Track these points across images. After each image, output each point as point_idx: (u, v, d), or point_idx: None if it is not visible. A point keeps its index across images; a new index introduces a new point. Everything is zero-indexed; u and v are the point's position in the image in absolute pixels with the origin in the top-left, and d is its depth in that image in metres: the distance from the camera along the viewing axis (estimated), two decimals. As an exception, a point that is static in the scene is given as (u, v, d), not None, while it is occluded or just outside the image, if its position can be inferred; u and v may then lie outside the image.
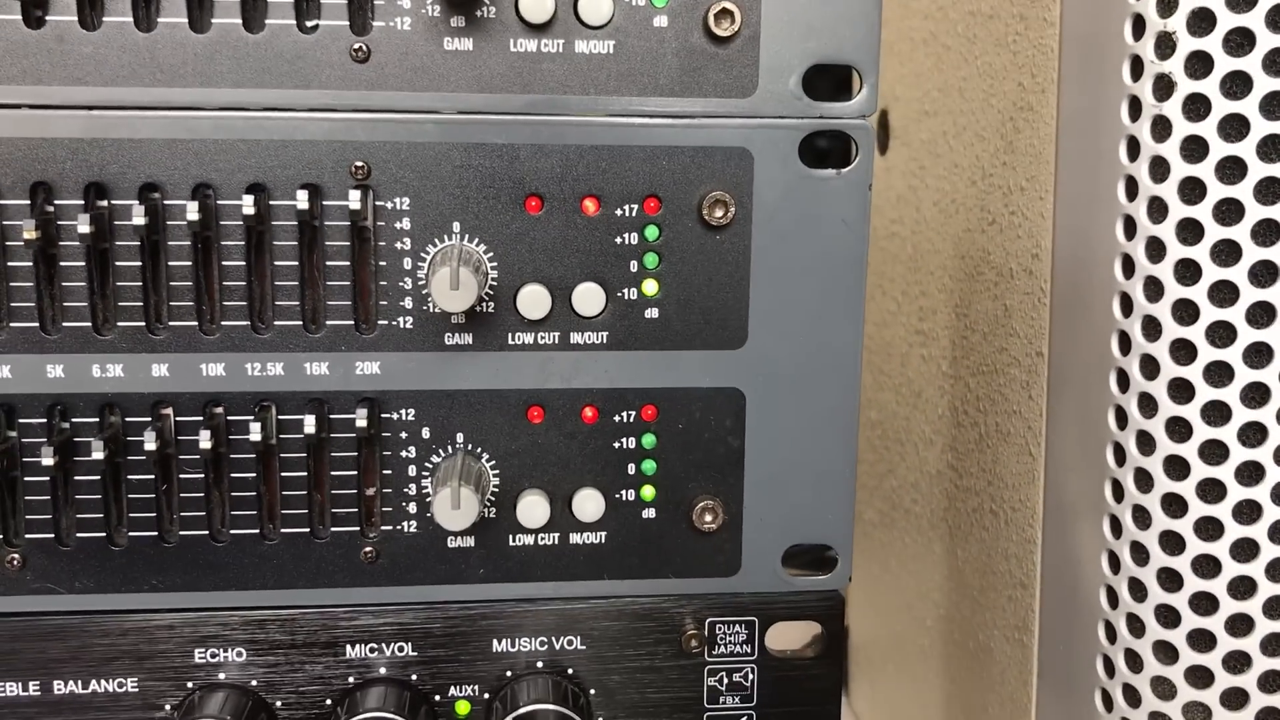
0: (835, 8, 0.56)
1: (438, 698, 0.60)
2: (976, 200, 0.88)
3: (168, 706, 0.59)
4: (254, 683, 0.59)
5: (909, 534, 1.04)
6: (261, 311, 0.56)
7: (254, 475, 0.57)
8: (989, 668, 0.91)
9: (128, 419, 0.56)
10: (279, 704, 0.59)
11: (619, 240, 0.57)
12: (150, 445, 0.55)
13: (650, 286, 0.58)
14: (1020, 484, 0.86)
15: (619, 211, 0.57)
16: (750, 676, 0.62)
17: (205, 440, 0.55)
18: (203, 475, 0.57)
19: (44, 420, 0.55)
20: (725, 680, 0.62)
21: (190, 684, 0.58)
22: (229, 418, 0.56)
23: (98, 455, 0.55)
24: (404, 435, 0.58)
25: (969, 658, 0.96)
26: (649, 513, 0.60)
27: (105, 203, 0.54)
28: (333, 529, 0.58)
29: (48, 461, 0.55)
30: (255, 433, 0.56)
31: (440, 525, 0.55)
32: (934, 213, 0.93)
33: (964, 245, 0.90)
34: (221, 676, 0.59)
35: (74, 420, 0.56)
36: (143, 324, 0.55)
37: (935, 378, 0.95)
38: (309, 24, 0.54)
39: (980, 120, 0.87)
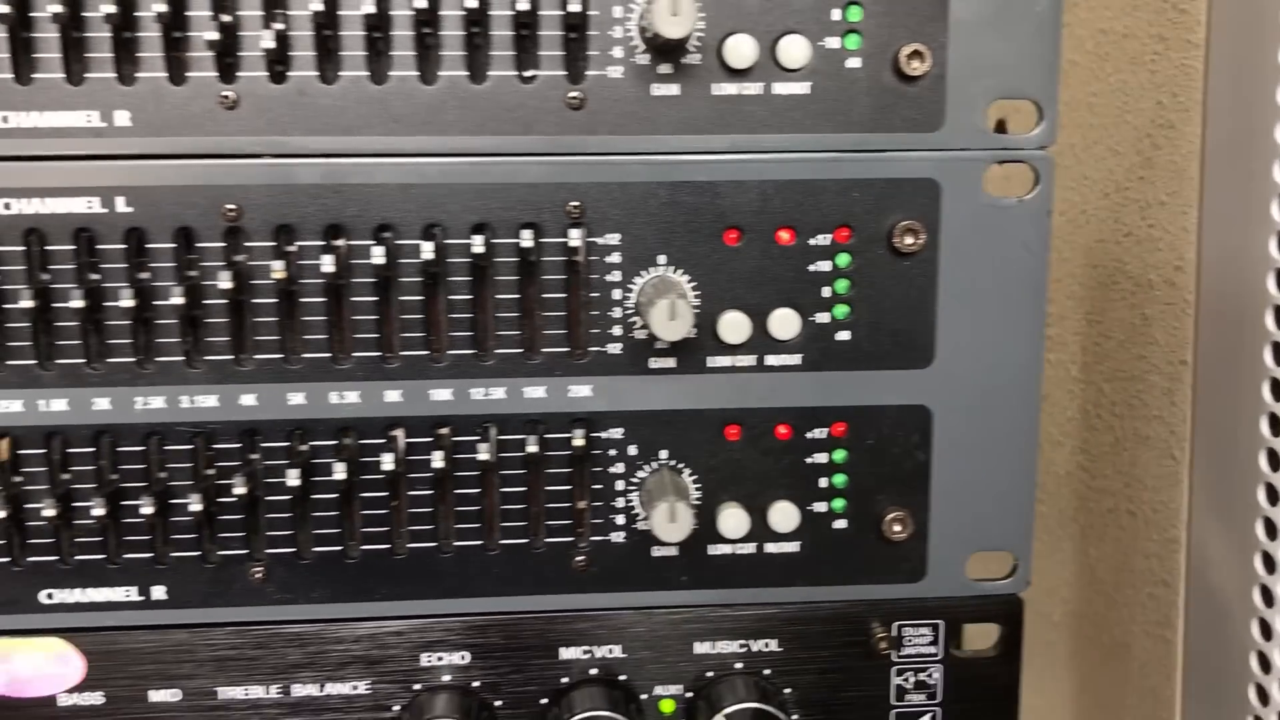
0: (1018, 46, 0.59)
1: (644, 696, 0.64)
2: (1110, 212, 0.91)
3: (396, 707, 0.63)
4: (475, 684, 0.63)
5: (1036, 533, 1.07)
6: (484, 341, 0.60)
7: (477, 491, 0.62)
8: (1127, 663, 0.94)
9: (362, 441, 0.61)
10: (499, 704, 0.63)
11: (812, 268, 0.61)
12: (387, 465, 0.60)
13: (842, 310, 0.61)
14: (1162, 486, 0.89)
15: (813, 241, 0.60)
16: (935, 676, 0.66)
17: (437, 460, 0.60)
18: (431, 492, 0.61)
19: (286, 444, 0.60)
20: (911, 679, 0.65)
21: (416, 686, 0.63)
22: (455, 438, 0.61)
23: (339, 475, 0.60)
24: (613, 452, 0.62)
25: (1103, 652, 0.99)
26: (840, 523, 0.63)
27: (343, 243, 0.59)
28: (548, 540, 0.62)
29: (293, 482, 0.59)
30: (483, 452, 0.60)
31: (657, 537, 0.59)
32: (1060, 222, 0.96)
33: (1096, 255, 0.93)
34: (446, 679, 0.63)
35: (313, 443, 0.60)
36: (378, 354, 0.60)
37: (1064, 381, 0.98)
38: (528, 74, 0.58)
39: (1113, 135, 0.90)
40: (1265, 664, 0.75)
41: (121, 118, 0.57)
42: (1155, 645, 0.91)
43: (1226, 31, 0.76)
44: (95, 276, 0.58)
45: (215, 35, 0.55)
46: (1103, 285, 0.93)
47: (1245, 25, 0.75)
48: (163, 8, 0.55)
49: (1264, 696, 0.75)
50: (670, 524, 0.58)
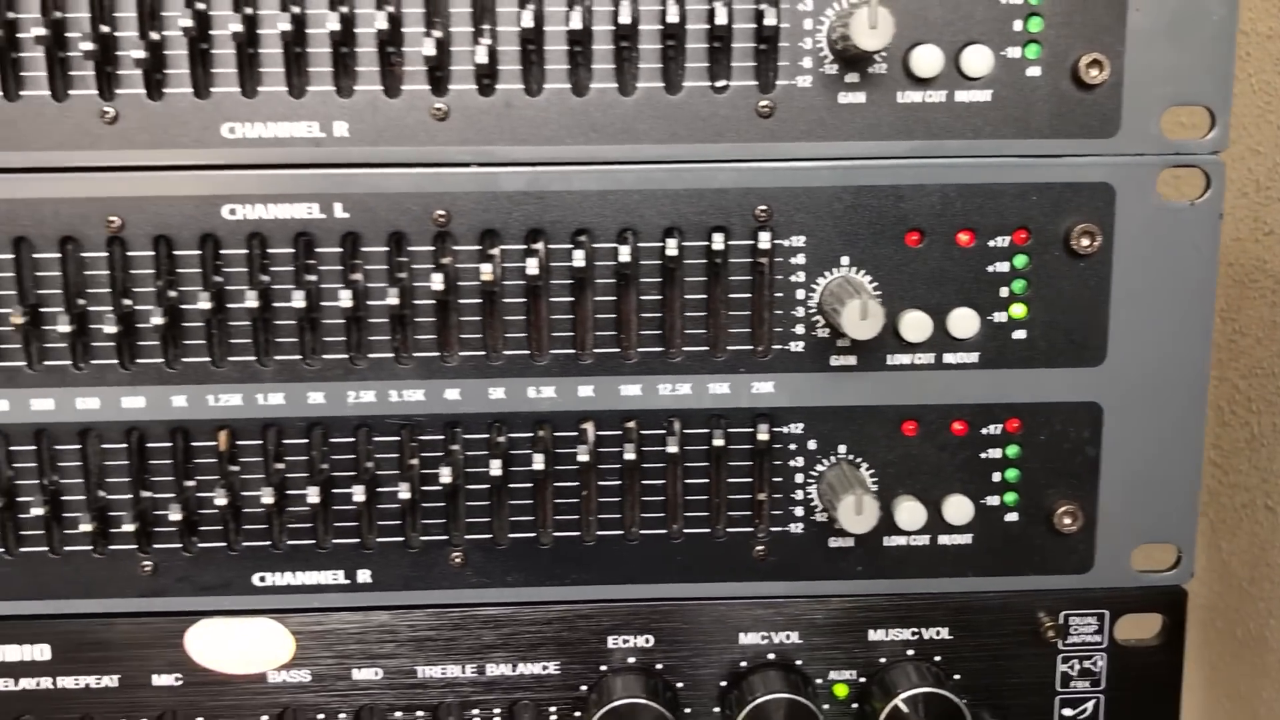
0: (1193, 55, 0.61)
1: (819, 680, 0.67)
2: (1249, 211, 0.92)
3: (584, 687, 0.67)
4: (659, 666, 0.66)
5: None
6: (672, 339, 0.63)
7: (662, 482, 0.65)
8: (1263, 655, 0.95)
9: (556, 434, 0.64)
10: (680, 685, 0.66)
11: (991, 269, 0.63)
12: (581, 457, 0.63)
13: (1018, 310, 0.63)
14: (1303, 482, 0.90)
15: (991, 243, 0.63)
16: (1099, 663, 0.68)
17: (628, 452, 0.63)
18: (619, 482, 0.64)
19: (486, 435, 0.64)
20: (1077, 667, 0.68)
21: (603, 667, 0.66)
22: (642, 432, 0.64)
23: (537, 466, 0.63)
24: (793, 447, 0.64)
25: (1236, 645, 1.00)
26: (1011, 516, 0.66)
27: (542, 246, 0.62)
28: (729, 530, 0.65)
29: (494, 472, 0.63)
30: (671, 445, 0.63)
31: (842, 528, 0.61)
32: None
33: (1233, 253, 0.94)
34: (630, 660, 0.66)
35: (511, 435, 0.64)
36: (572, 351, 0.63)
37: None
38: (720, 85, 0.61)
39: (1254, 135, 0.91)
40: None
41: (340, 128, 0.60)
42: (1292, 639, 0.92)
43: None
44: (312, 278, 0.62)
45: (429, 51, 0.59)
46: (1239, 283, 0.94)
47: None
48: (383, 25, 0.59)
49: None
50: (857, 516, 0.61)
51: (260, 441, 0.63)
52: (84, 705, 0.66)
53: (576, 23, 0.59)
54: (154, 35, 0.59)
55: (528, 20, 0.59)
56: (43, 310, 0.61)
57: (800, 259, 0.62)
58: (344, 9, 0.59)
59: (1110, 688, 0.68)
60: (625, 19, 0.59)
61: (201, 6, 0.59)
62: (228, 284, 0.61)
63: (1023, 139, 0.62)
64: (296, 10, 0.59)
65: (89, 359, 0.62)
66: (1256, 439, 0.94)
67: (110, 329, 0.60)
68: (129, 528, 0.63)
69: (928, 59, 0.60)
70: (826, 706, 0.66)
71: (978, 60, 0.61)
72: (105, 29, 0.59)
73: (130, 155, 0.60)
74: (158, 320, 0.60)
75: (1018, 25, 0.61)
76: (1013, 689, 0.67)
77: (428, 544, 0.65)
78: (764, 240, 0.62)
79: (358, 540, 0.64)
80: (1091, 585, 0.67)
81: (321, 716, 0.66)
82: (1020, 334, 0.64)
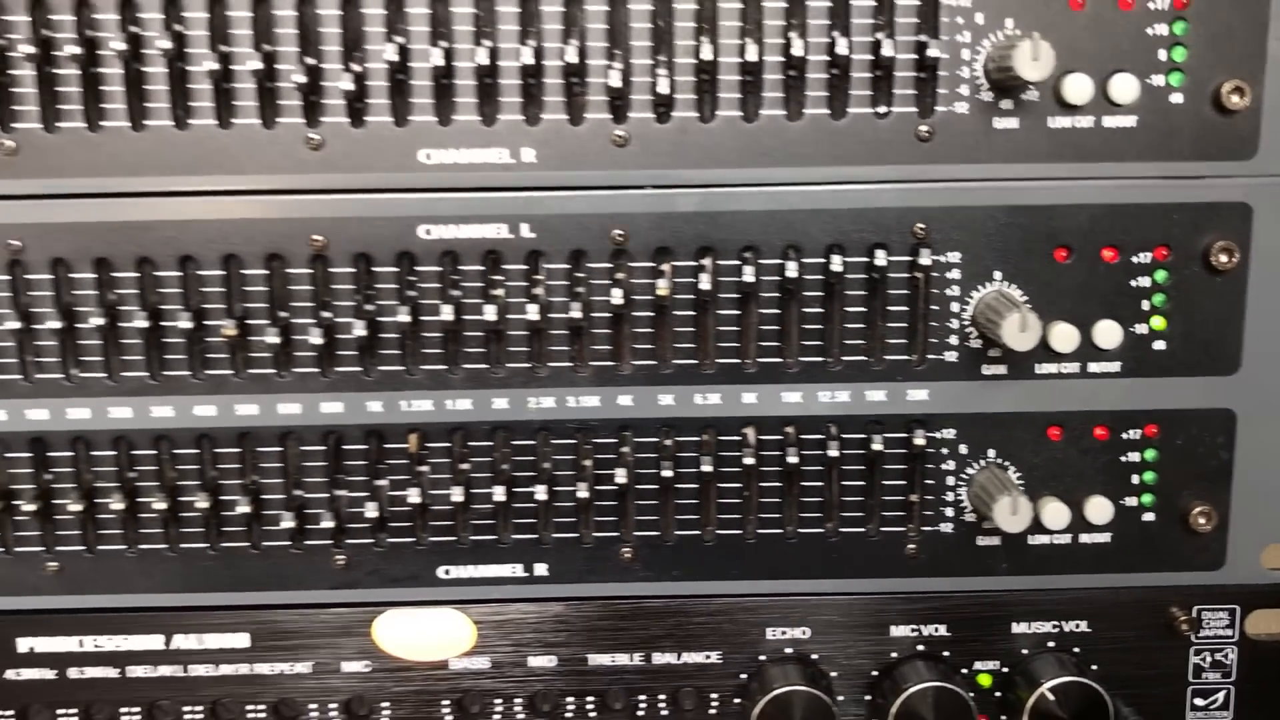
0: (1329, 81, 0.65)
1: (964, 670, 0.71)
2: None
3: (743, 675, 0.71)
4: (814, 656, 0.71)
5: None
6: (831, 349, 0.67)
7: (821, 484, 0.69)
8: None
9: (720, 437, 0.68)
10: (834, 674, 0.71)
11: (1134, 283, 0.67)
12: (747, 460, 0.67)
13: (1158, 322, 0.67)
14: None
15: (1134, 259, 0.67)
16: (1230, 656, 0.71)
17: (791, 456, 0.67)
18: (779, 484, 0.69)
19: (655, 439, 0.68)
20: (1208, 659, 0.71)
21: (762, 657, 0.71)
22: (801, 436, 0.68)
23: (705, 468, 0.67)
24: (945, 451, 0.69)
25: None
26: (1148, 516, 0.70)
27: (711, 262, 0.66)
28: (882, 529, 0.69)
29: (665, 473, 0.67)
30: (831, 449, 0.67)
31: (998, 527, 0.65)
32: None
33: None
34: (788, 651, 0.71)
35: (679, 438, 0.68)
36: (738, 361, 0.67)
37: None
38: (883, 111, 0.65)
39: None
40: None
41: (528, 154, 0.65)
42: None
43: None
44: (499, 293, 0.66)
45: (614, 83, 0.63)
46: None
47: None
48: (571, 59, 0.63)
49: None
50: (1012, 516, 0.65)
51: (449, 444, 0.68)
52: (278, 689, 0.71)
53: (751, 54, 0.63)
54: (357, 68, 0.64)
55: (706, 53, 0.63)
56: (250, 322, 0.66)
57: (955, 274, 0.66)
58: (533, 43, 0.63)
59: (1240, 679, 0.72)
60: (797, 51, 0.63)
61: (401, 40, 0.63)
62: (421, 299, 0.66)
63: (1165, 161, 0.66)
64: (489, 45, 0.63)
65: (291, 368, 0.67)
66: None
67: (314, 340, 0.65)
68: (326, 524, 0.68)
69: (1078, 87, 0.64)
70: (971, 695, 0.70)
71: (1125, 88, 0.64)
72: (312, 61, 0.63)
73: (334, 179, 0.65)
74: (359, 332, 0.65)
75: (1162, 55, 0.65)
76: (1147, 680, 0.71)
77: (601, 540, 0.69)
78: (923, 257, 0.66)
79: (536, 536, 0.69)
80: (1223, 582, 0.71)
81: (499, 701, 0.71)
82: (1160, 344, 0.68)
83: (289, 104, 0.64)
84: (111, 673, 0.70)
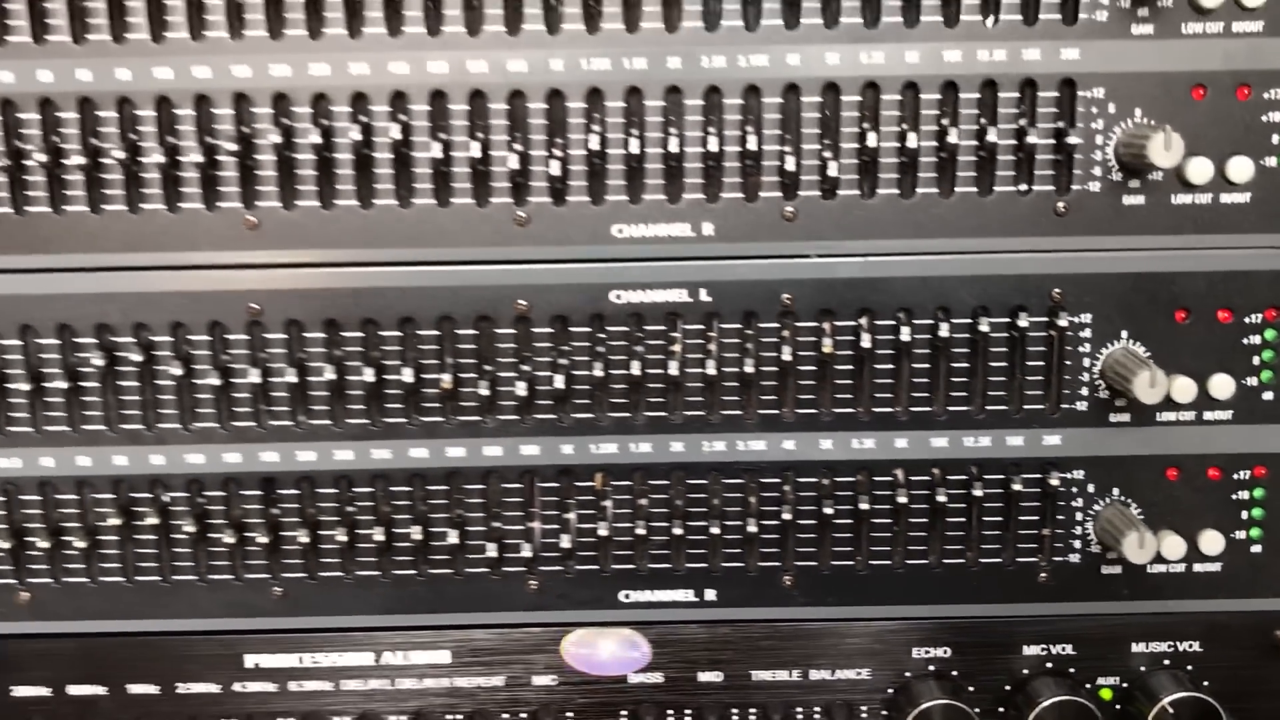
0: None
1: (1088, 685, 0.79)
2: None
3: (890, 690, 0.79)
4: (954, 673, 0.79)
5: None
6: (976, 399, 0.76)
7: (964, 520, 0.77)
8: None
9: (874, 478, 0.77)
10: (971, 689, 0.79)
11: (1245, 341, 0.75)
12: (901, 499, 0.76)
13: (1267, 375, 0.75)
14: None
15: (1246, 319, 0.75)
16: (1331, 673, 0.80)
17: (940, 495, 0.76)
18: (926, 520, 0.77)
19: (814, 479, 0.76)
20: (1314, 676, 0.80)
21: (907, 674, 0.79)
22: (947, 476, 0.76)
23: (862, 506, 0.76)
24: (1074, 490, 0.77)
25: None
26: (1256, 548, 0.78)
27: (867, 322, 0.75)
28: (1018, 559, 0.78)
29: (826, 510, 0.76)
30: (977, 489, 0.76)
31: (1125, 559, 0.73)
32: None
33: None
34: (930, 668, 0.79)
35: (836, 479, 0.77)
36: (890, 410, 0.76)
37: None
38: (1024, 189, 0.73)
39: None
40: None
41: (708, 228, 0.73)
42: None
43: None
44: (679, 349, 0.75)
45: (789, 166, 0.72)
46: None
47: None
48: (751, 147, 0.71)
49: None
50: (1140, 549, 0.73)
51: (630, 482, 0.76)
52: (474, 702, 0.79)
53: (911, 142, 0.72)
54: (559, 154, 0.72)
55: (871, 140, 0.72)
56: (462, 375, 0.75)
57: (1087, 333, 0.75)
58: (713, 130, 0.72)
59: (1345, 694, 0.80)
60: (951, 139, 0.71)
61: (598, 129, 0.72)
62: (611, 355, 0.75)
63: (1275, 233, 0.74)
64: (676, 133, 0.72)
65: (495, 416, 0.75)
66: None
67: (519, 391, 0.74)
68: (525, 554, 0.76)
69: (1200, 169, 0.72)
70: (1093, 708, 0.78)
71: (1241, 169, 0.73)
72: (520, 149, 0.72)
73: (537, 251, 0.73)
74: (558, 385, 0.74)
75: (1275, 139, 0.73)
76: (1251, 694, 0.79)
77: (764, 569, 0.78)
78: (1060, 319, 0.74)
79: (706, 565, 0.77)
80: (1324, 605, 0.79)
81: (671, 713, 0.79)
82: (1269, 395, 0.76)
83: (500, 185, 0.73)
84: (327, 685, 0.79)
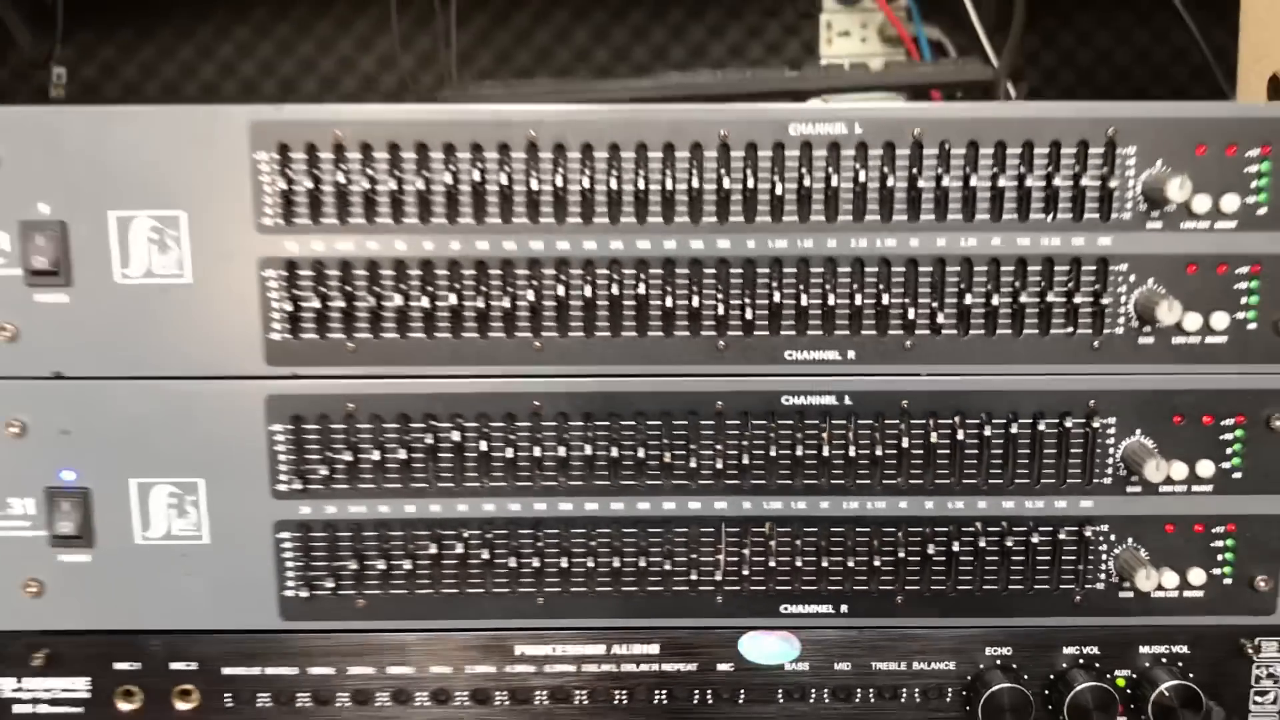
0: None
1: (1108, 676, 1.09)
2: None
3: (969, 677, 1.11)
4: (1014, 666, 1.10)
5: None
6: (1034, 474, 1.08)
7: (1023, 558, 1.10)
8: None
9: (962, 529, 1.09)
10: (1025, 677, 1.11)
11: (1221, 437, 1.06)
12: (981, 544, 1.08)
13: (1237, 460, 1.06)
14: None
15: (1223, 422, 1.06)
16: (1278, 670, 1.12)
17: (1008, 541, 1.08)
18: (997, 558, 1.09)
19: (921, 530, 1.09)
20: (1264, 672, 1.10)
21: (981, 666, 1.10)
22: (1013, 529, 1.09)
23: (955, 548, 1.08)
24: (1101, 539, 1.08)
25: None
26: (1228, 581, 1.08)
27: (958, 420, 1.07)
28: (1060, 586, 1.10)
29: (930, 551, 1.08)
30: (1035, 537, 1.08)
31: (1137, 587, 1.06)
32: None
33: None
34: (997, 662, 1.11)
35: (935, 529, 1.09)
36: (974, 481, 1.08)
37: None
38: (1069, 332, 1.06)
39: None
40: None
41: (851, 354, 1.06)
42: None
43: None
44: (826, 436, 1.07)
45: (908, 315, 1.04)
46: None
47: None
48: (885, 301, 1.04)
49: None
50: (1147, 581, 1.05)
51: (788, 529, 1.09)
52: (674, 682, 1.12)
53: (994, 300, 1.04)
54: (750, 304, 1.05)
55: (966, 299, 1.04)
56: (675, 453, 1.07)
57: (1112, 431, 1.06)
58: (857, 289, 1.04)
59: (1285, 685, 1.13)
60: (1022, 299, 1.04)
61: (778, 287, 1.04)
62: (780, 441, 1.07)
63: (1241, 364, 1.06)
64: (831, 290, 1.04)
65: (697, 481, 1.08)
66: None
67: (717, 465, 1.06)
68: (715, 578, 1.09)
69: (1192, 321, 1.03)
70: (1112, 690, 1.11)
71: (1220, 321, 1.04)
72: (722, 299, 1.05)
73: (729, 369, 1.06)
74: (744, 460, 1.06)
75: (1243, 299, 1.05)
76: (1223, 684, 1.10)
77: (883, 591, 1.10)
78: (1095, 421, 1.07)
79: (841, 588, 1.10)
80: (1275, 622, 1.11)
81: (813, 691, 1.12)
82: (1238, 475, 1.08)
83: (708, 325, 1.05)
84: (571, 669, 1.11)
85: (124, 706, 1.10)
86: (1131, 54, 3.18)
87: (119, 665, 1.09)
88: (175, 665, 1.09)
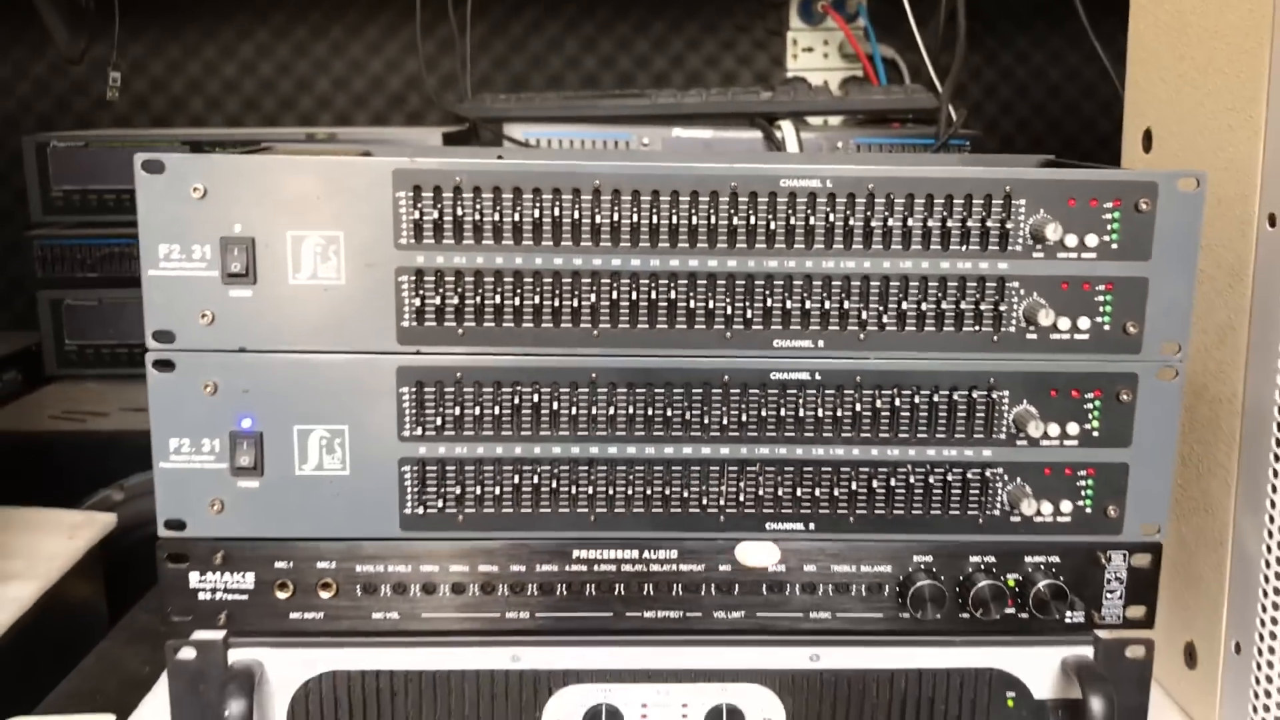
0: None
1: (1001, 578, 1.49)
2: None
3: (901, 578, 1.53)
4: (934, 570, 1.53)
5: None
6: (950, 431, 1.50)
7: (940, 492, 1.51)
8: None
9: (897, 470, 1.51)
10: (941, 579, 1.53)
11: (1085, 406, 1.48)
12: (912, 481, 1.50)
13: (1094, 423, 1.47)
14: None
15: (1087, 394, 1.48)
16: (1124, 574, 1.53)
17: (932, 479, 1.50)
18: (922, 492, 1.51)
19: (869, 471, 1.50)
20: (1113, 575, 1.53)
21: (909, 569, 1.53)
22: (934, 470, 1.50)
23: (893, 484, 1.50)
24: (997, 478, 1.50)
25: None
26: (1088, 511, 1.49)
27: (896, 390, 1.48)
28: (968, 512, 1.52)
29: (876, 485, 1.50)
30: (949, 476, 1.50)
31: (1024, 514, 1.48)
32: None
33: None
34: (922, 567, 1.53)
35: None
36: (907, 434, 1.50)
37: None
38: (977, 329, 1.47)
39: None
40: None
41: (820, 343, 1.46)
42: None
43: None
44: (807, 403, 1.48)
45: (861, 314, 1.45)
46: None
47: None
48: (856, 307, 1.45)
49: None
50: (1029, 509, 1.47)
51: (772, 469, 1.50)
52: (683, 577, 1.52)
53: (923, 307, 1.45)
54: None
55: (903, 306, 1.45)
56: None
57: (1006, 400, 1.47)
58: (828, 298, 1.45)
59: (1129, 585, 1.54)
60: (943, 307, 1.45)
61: (780, 284, 1.45)
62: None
63: (1098, 354, 1.48)
64: (805, 295, 1.45)
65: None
66: None
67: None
68: (727, 511, 1.50)
69: (1064, 323, 1.45)
70: (1004, 587, 1.52)
71: (1084, 323, 1.46)
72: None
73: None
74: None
75: (1100, 308, 1.46)
76: (1084, 584, 1.49)
77: (840, 514, 1.51)
78: (994, 394, 1.48)
79: (810, 511, 1.51)
80: (1122, 539, 1.51)
81: (788, 584, 1.53)
82: (1097, 433, 1.50)
83: (719, 320, 1.45)
84: (611, 568, 1.51)
85: (279, 595, 1.47)
86: (1063, 72, 3.65)
87: (278, 564, 1.45)
88: (320, 564, 1.46)
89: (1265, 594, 1.33)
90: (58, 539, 2.35)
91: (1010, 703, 1.35)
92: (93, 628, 2.38)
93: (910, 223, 1.26)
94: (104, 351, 2.90)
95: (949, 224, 1.27)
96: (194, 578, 1.43)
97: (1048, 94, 3.20)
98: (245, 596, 1.45)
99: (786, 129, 2.32)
